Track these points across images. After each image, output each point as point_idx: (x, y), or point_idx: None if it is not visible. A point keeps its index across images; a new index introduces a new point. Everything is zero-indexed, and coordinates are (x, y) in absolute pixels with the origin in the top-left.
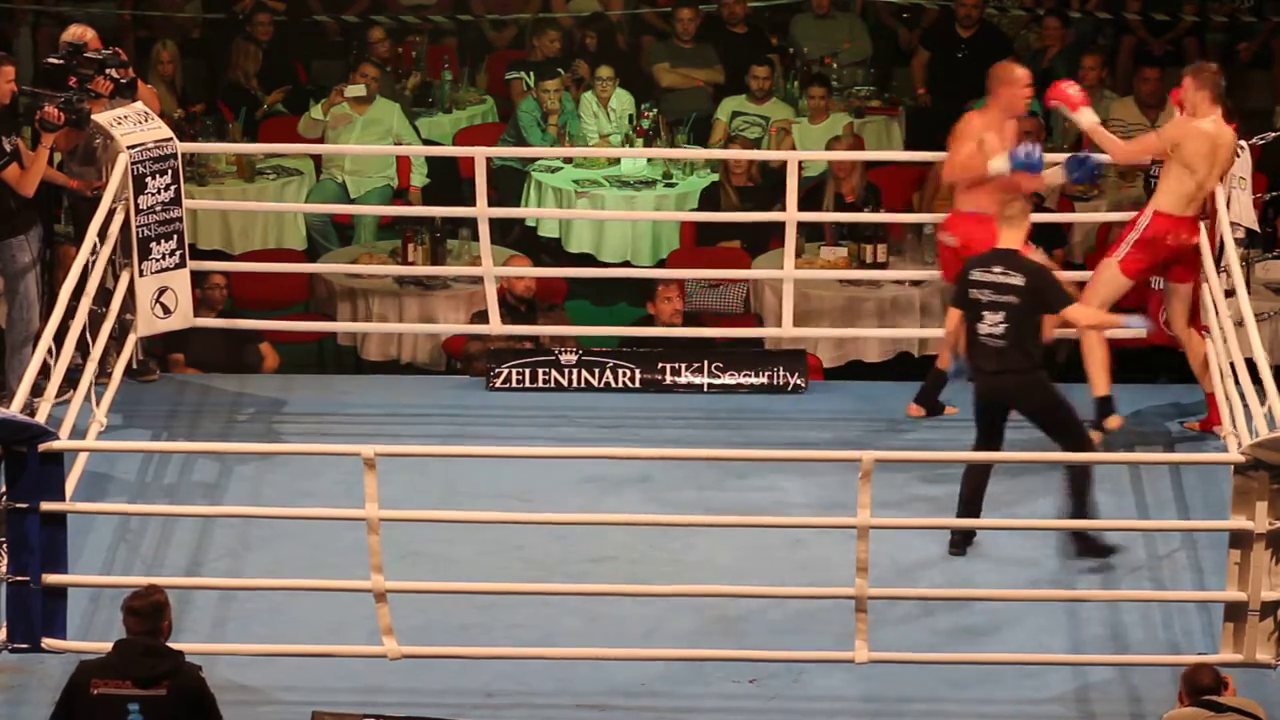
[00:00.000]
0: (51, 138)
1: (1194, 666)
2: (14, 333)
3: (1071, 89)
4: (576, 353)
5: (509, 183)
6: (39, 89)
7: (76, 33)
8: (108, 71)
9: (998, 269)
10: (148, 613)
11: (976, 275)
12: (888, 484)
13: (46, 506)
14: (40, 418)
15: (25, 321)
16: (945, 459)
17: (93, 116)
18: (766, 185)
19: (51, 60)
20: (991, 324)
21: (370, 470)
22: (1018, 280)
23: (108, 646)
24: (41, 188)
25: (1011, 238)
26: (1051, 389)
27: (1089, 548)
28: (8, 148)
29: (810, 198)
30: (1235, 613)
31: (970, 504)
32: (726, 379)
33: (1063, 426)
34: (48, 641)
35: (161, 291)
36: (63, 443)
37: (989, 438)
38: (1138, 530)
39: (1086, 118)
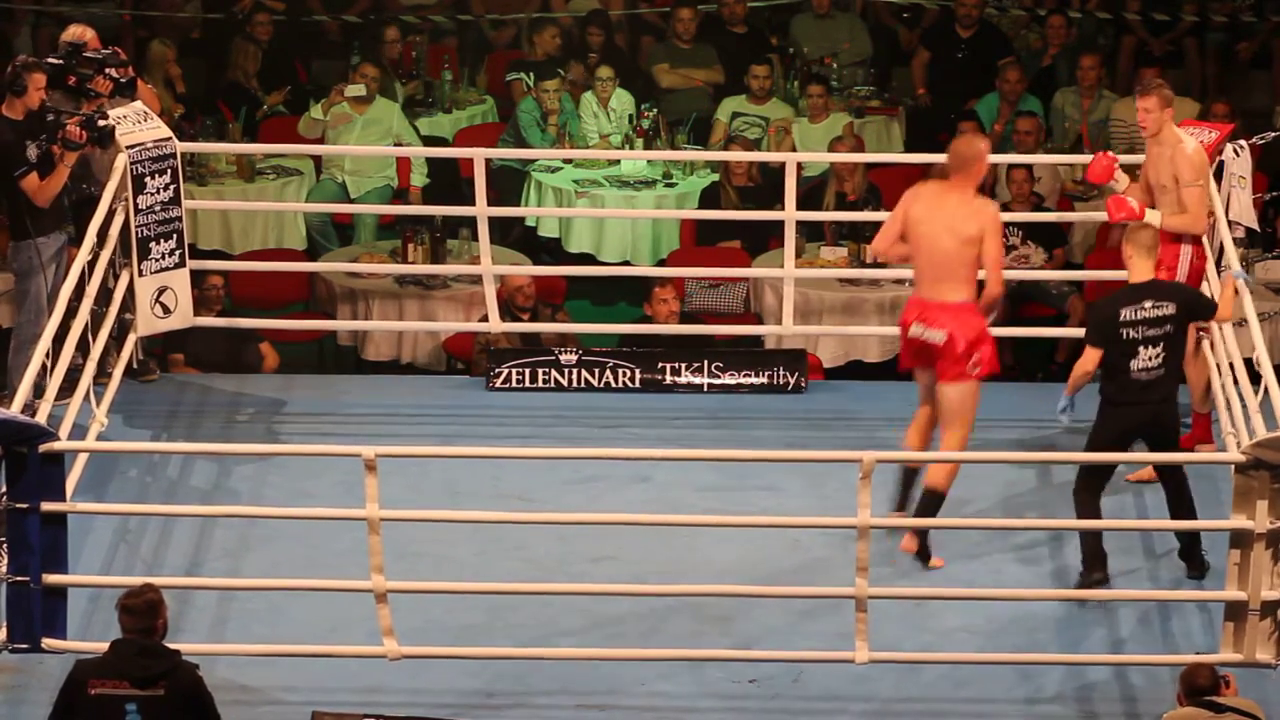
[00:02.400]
0: (74, 156)
1: (1192, 666)
2: (20, 333)
3: (1134, 203)
4: (576, 353)
5: (509, 183)
6: (60, 106)
7: (76, 32)
8: (107, 71)
9: (1148, 303)
10: (142, 611)
11: (1127, 315)
12: (888, 484)
13: (47, 506)
14: (40, 418)
15: (32, 322)
16: (945, 459)
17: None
18: (767, 185)
19: (51, 60)
20: (1147, 358)
21: (371, 471)
22: (1170, 310)
23: (107, 647)
24: (72, 195)
25: (1147, 268)
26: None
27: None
28: (32, 156)
29: (812, 197)
30: (1235, 612)
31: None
32: (726, 379)
33: (1174, 435)
34: (48, 641)
35: (161, 291)
36: (63, 443)
37: (1110, 469)
38: (1138, 530)
39: (1155, 218)
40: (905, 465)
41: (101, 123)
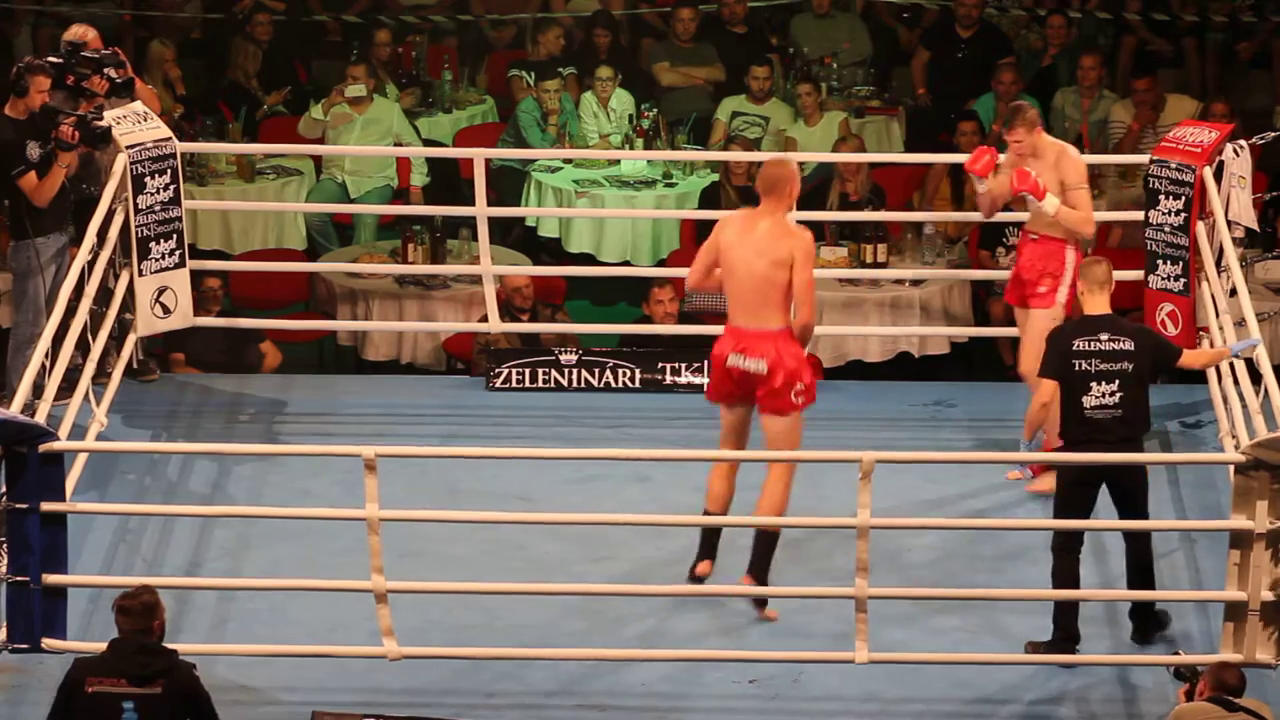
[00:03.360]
0: (69, 157)
1: (1222, 664)
2: (19, 333)
3: (1040, 180)
4: (576, 353)
5: (509, 183)
6: (60, 106)
7: (78, 32)
8: (105, 71)
9: (1104, 335)
10: (138, 612)
11: (1080, 345)
12: (888, 484)
13: (46, 507)
14: (40, 418)
15: (30, 323)
16: (945, 459)
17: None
18: None
19: (52, 59)
20: (1100, 394)
21: (370, 471)
22: (1127, 345)
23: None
24: (71, 195)
25: (1102, 302)
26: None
27: (1148, 626)
28: (33, 156)
29: (815, 197)
30: (1235, 613)
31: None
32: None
33: (1142, 498)
34: (48, 641)
35: (161, 291)
36: (63, 443)
37: (1085, 512)
38: (1137, 530)
39: (1051, 204)
40: (706, 511)
41: (96, 124)
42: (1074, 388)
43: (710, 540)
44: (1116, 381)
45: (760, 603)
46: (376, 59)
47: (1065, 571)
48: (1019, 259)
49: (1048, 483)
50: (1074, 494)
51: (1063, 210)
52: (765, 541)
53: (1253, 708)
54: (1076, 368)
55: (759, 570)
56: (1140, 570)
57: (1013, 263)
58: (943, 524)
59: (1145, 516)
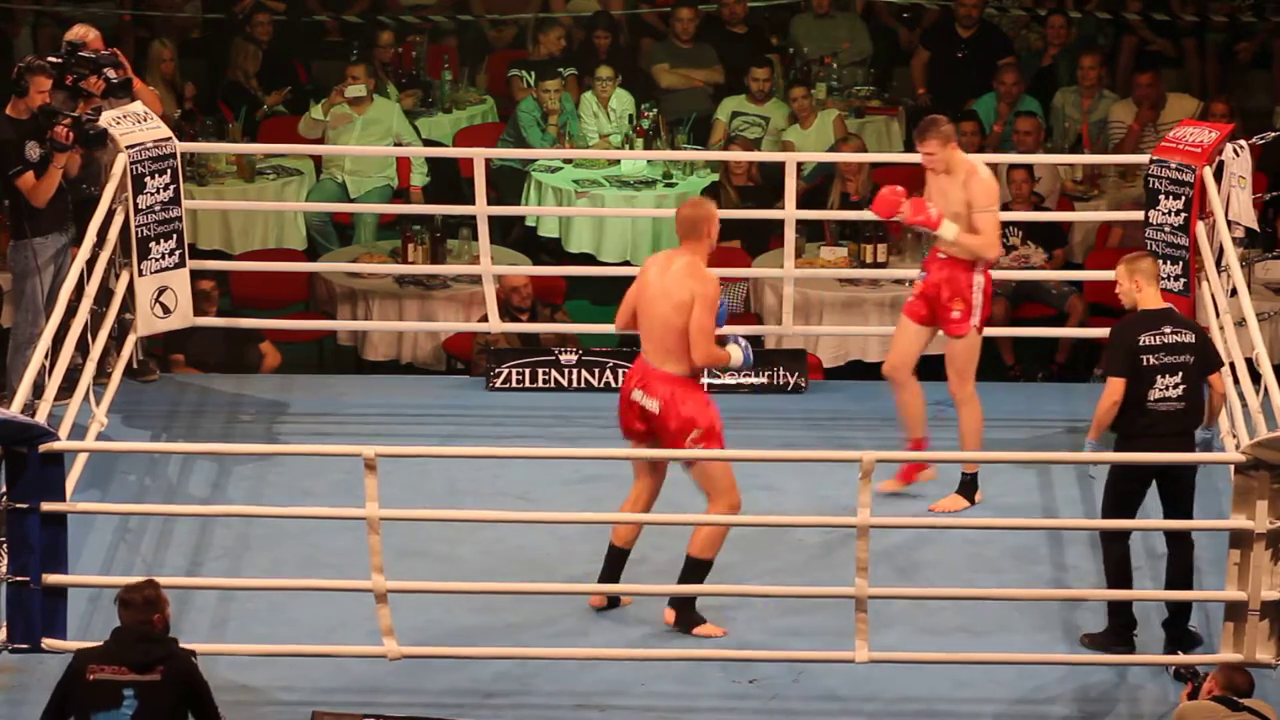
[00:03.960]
0: (64, 158)
1: (1233, 666)
2: (17, 334)
3: (932, 209)
4: (576, 353)
5: (509, 183)
6: (60, 106)
7: (79, 33)
8: (104, 72)
9: (1167, 329)
10: (139, 605)
11: (1146, 340)
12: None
13: (47, 507)
14: (40, 418)
15: (29, 323)
16: (945, 459)
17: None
18: (767, 185)
19: (52, 59)
20: (1164, 387)
21: (371, 471)
22: (1189, 339)
23: None
24: (70, 196)
25: (1156, 296)
26: None
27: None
28: (32, 156)
29: (816, 197)
30: (1235, 612)
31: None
32: (726, 379)
33: (1188, 498)
34: (48, 641)
35: (161, 291)
36: (63, 443)
37: (1133, 508)
38: (1137, 530)
39: (949, 231)
40: (611, 544)
41: (90, 125)
42: (1141, 381)
43: (615, 572)
44: (1180, 374)
45: (687, 624)
46: (376, 59)
47: (1119, 557)
48: (927, 276)
49: (952, 502)
50: (1123, 487)
51: (962, 236)
52: (691, 570)
53: (1256, 707)
54: (1145, 363)
55: (682, 603)
56: (1181, 578)
57: (1045, 264)
58: (943, 524)
59: (1190, 517)
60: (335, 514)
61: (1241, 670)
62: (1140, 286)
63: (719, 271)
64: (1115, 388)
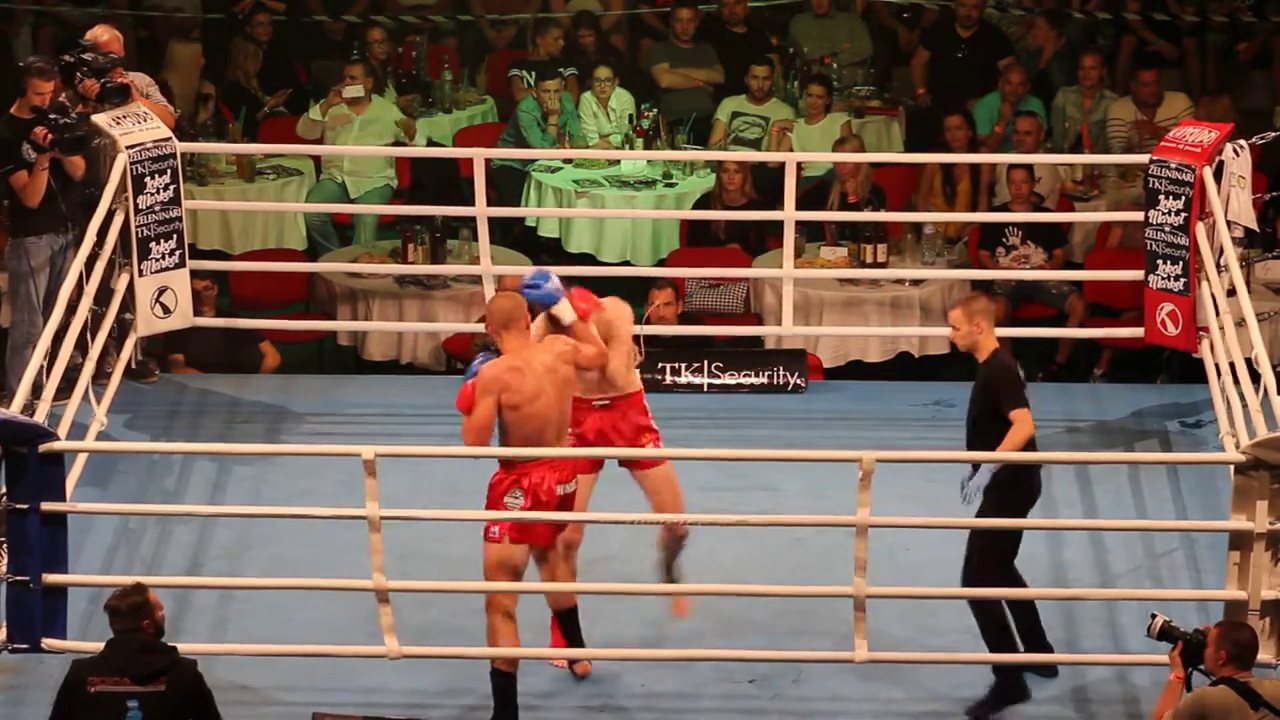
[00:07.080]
0: (46, 158)
1: (1232, 623)
2: (15, 334)
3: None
4: None
5: (509, 183)
6: (58, 107)
7: (95, 33)
8: (104, 78)
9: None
10: (126, 613)
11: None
12: (888, 484)
13: (47, 507)
14: (40, 418)
15: (26, 323)
16: (945, 459)
17: (91, 117)
18: (764, 203)
19: (65, 58)
20: None
21: (371, 471)
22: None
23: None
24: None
25: (992, 335)
26: None
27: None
28: (28, 155)
29: (815, 198)
30: (1235, 612)
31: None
32: (726, 379)
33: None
34: (48, 641)
35: (161, 291)
36: (63, 443)
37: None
38: (1137, 530)
39: (569, 314)
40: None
41: (66, 126)
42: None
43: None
44: None
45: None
46: (375, 59)
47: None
48: (586, 431)
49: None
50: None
51: (578, 327)
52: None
53: (1272, 700)
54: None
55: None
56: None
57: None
58: (943, 523)
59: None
60: (335, 514)
61: (1244, 625)
62: (982, 328)
63: (719, 271)
64: (1027, 419)
